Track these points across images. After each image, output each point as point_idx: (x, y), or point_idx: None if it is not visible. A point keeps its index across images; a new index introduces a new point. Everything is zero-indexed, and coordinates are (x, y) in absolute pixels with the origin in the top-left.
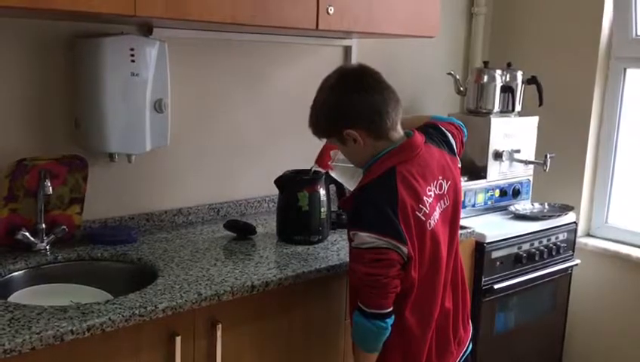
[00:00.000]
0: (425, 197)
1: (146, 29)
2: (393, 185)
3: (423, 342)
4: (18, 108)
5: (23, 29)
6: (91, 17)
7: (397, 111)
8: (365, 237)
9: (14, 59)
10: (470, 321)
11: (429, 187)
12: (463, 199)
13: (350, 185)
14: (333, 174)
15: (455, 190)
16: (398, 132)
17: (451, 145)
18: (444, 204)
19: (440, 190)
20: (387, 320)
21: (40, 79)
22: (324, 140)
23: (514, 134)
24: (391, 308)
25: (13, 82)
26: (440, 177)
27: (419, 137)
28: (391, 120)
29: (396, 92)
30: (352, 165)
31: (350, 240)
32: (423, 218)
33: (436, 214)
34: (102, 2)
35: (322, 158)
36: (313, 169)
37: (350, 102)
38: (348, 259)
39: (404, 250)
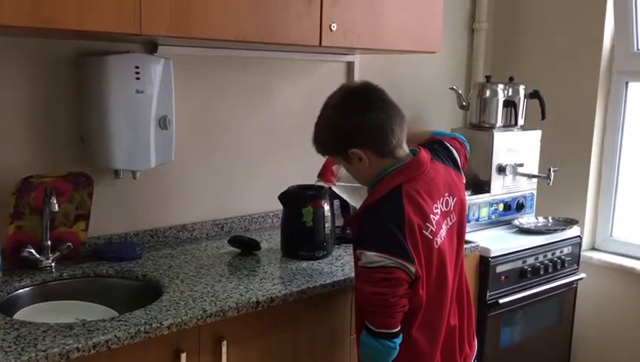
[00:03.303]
0: (432, 215)
1: (151, 47)
2: (400, 204)
3: (431, 360)
4: (24, 125)
5: (30, 48)
6: (97, 36)
7: (402, 128)
8: (372, 257)
9: (21, 77)
10: (475, 337)
11: (435, 204)
12: (467, 213)
13: (353, 202)
14: (336, 190)
15: (461, 206)
16: (404, 149)
17: (456, 160)
18: (451, 220)
19: (446, 207)
20: (395, 339)
21: (46, 97)
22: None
23: (517, 148)
24: (399, 328)
25: (20, 100)
26: (446, 194)
27: (425, 154)
28: (396, 138)
29: (400, 109)
30: (355, 181)
31: (356, 259)
32: (430, 236)
33: (443, 232)
34: (108, 21)
35: (325, 173)
36: (317, 183)
37: (355, 121)
38: (353, 275)
39: (412, 268)
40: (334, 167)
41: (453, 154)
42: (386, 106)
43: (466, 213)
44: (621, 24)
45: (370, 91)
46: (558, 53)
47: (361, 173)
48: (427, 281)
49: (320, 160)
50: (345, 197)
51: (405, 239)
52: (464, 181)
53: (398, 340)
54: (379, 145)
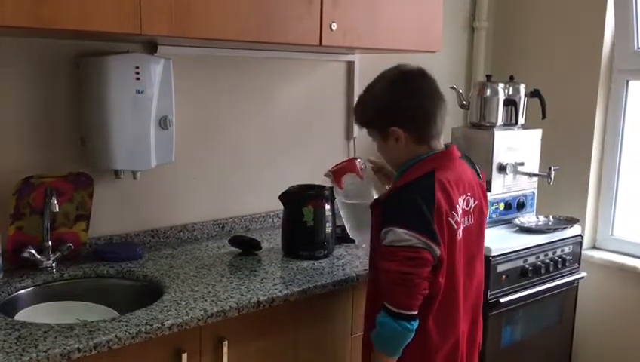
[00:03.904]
0: (457, 206)
1: (151, 47)
2: (431, 188)
3: (439, 355)
4: (24, 126)
5: (29, 48)
6: (97, 36)
7: (443, 122)
8: (402, 234)
9: (21, 77)
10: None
11: (460, 198)
12: (485, 227)
13: (347, 219)
14: (338, 199)
15: (480, 212)
16: (440, 142)
17: (477, 172)
18: (468, 221)
19: (467, 206)
20: (413, 322)
21: (46, 97)
22: (344, 155)
23: (517, 147)
24: (417, 312)
25: (19, 100)
26: (468, 193)
27: (456, 150)
28: (437, 129)
29: (446, 104)
30: (359, 202)
31: (377, 242)
32: (455, 226)
33: (461, 228)
34: (108, 22)
35: (338, 175)
36: (325, 176)
37: (405, 101)
38: (354, 274)
39: (437, 251)
40: (349, 176)
41: (476, 166)
42: (436, 97)
43: (485, 226)
44: (621, 22)
45: (425, 78)
46: (559, 51)
47: (392, 154)
48: (447, 270)
49: (321, 160)
50: (342, 211)
51: (434, 222)
52: (486, 191)
53: (415, 324)
54: (419, 131)
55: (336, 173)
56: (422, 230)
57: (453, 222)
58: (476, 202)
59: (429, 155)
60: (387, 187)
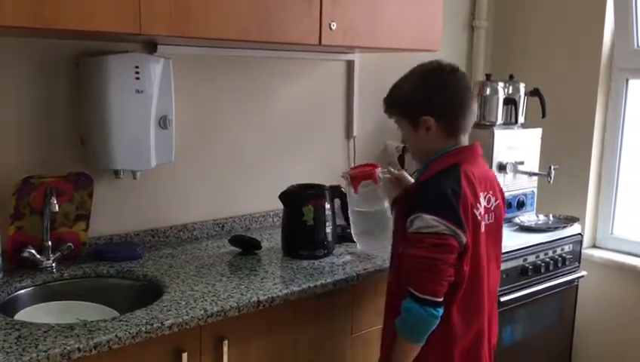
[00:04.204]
0: (481, 199)
1: (151, 47)
2: (458, 178)
3: (461, 345)
4: (24, 126)
5: (29, 48)
6: (97, 36)
7: (472, 120)
8: (429, 220)
9: (20, 77)
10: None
11: (482, 193)
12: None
13: (355, 229)
14: (350, 202)
15: (500, 213)
16: (466, 138)
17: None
18: (489, 219)
19: (488, 204)
20: (439, 309)
21: (45, 97)
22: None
23: (517, 146)
24: (442, 299)
25: (19, 100)
26: (490, 192)
27: (479, 148)
28: (466, 124)
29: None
30: (370, 210)
31: (407, 227)
32: (479, 217)
33: (483, 223)
34: (107, 21)
35: (358, 178)
36: (343, 177)
37: (442, 91)
38: (354, 274)
39: (464, 238)
40: (367, 182)
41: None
42: (469, 94)
43: (502, 229)
44: (621, 21)
45: (462, 76)
46: (559, 50)
47: (419, 144)
48: (471, 259)
49: (320, 160)
50: (350, 216)
51: (460, 209)
52: (504, 197)
53: (441, 310)
54: (450, 124)
55: (355, 178)
56: (449, 216)
57: (477, 213)
58: (497, 201)
59: (455, 148)
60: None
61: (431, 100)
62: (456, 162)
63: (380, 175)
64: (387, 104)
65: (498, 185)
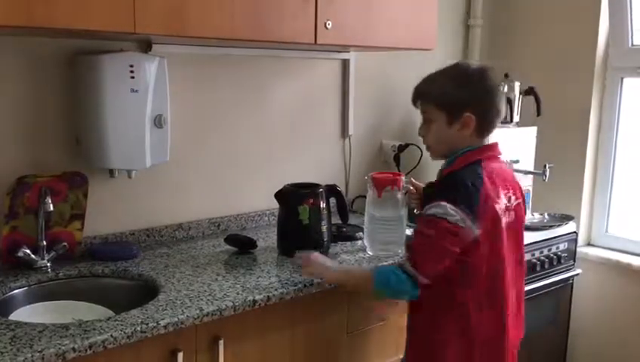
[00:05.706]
0: (502, 195)
1: (145, 46)
2: (479, 174)
3: (482, 342)
4: (19, 125)
5: (23, 47)
6: (91, 35)
7: (497, 124)
8: (448, 208)
9: (14, 76)
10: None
11: (503, 191)
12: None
13: (368, 229)
14: (368, 205)
15: (520, 212)
16: (488, 140)
17: None
18: (509, 217)
19: (508, 202)
20: (415, 290)
21: (40, 96)
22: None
23: (512, 145)
24: (427, 283)
25: (13, 100)
26: (510, 190)
27: (499, 148)
28: (494, 127)
29: None
30: (390, 215)
31: (424, 212)
32: (499, 212)
33: (504, 220)
34: (102, 20)
35: (382, 183)
36: (367, 178)
37: (490, 94)
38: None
39: (476, 231)
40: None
41: None
42: (502, 100)
43: (523, 229)
44: (616, 20)
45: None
46: (554, 49)
47: (449, 139)
48: (490, 254)
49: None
50: (366, 221)
51: (479, 203)
52: (525, 197)
53: (415, 292)
54: (487, 123)
55: (380, 182)
56: (466, 209)
57: (497, 208)
58: (518, 201)
59: (478, 147)
60: (415, 211)
61: (479, 100)
62: (478, 159)
63: (404, 184)
64: (422, 95)
65: (518, 184)
